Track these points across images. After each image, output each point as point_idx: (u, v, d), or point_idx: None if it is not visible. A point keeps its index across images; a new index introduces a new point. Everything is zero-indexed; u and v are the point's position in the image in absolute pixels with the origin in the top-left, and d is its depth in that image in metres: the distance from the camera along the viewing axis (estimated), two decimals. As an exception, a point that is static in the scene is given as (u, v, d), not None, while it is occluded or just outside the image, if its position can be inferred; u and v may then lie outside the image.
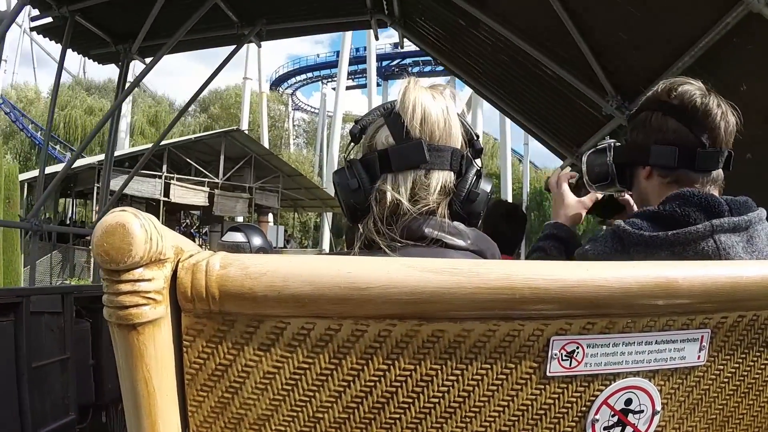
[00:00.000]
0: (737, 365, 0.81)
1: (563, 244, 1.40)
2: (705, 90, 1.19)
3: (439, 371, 0.72)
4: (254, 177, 26.21)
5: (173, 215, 28.02)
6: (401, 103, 1.03)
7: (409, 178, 1.01)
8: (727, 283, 0.75)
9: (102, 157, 24.01)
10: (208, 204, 24.88)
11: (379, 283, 0.67)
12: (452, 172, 1.03)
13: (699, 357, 0.77)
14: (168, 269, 0.68)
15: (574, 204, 1.47)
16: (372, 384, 0.72)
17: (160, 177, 23.31)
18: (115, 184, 20.47)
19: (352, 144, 1.11)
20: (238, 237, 1.03)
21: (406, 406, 0.73)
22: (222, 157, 24.69)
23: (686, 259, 1.03)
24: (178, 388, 0.72)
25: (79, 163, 21.07)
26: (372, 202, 1.02)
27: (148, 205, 26.02)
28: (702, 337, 0.77)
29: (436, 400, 0.73)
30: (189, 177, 24.57)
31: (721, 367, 0.80)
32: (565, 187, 1.50)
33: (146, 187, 22.94)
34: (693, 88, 1.19)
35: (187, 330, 0.71)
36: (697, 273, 0.74)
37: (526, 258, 1.45)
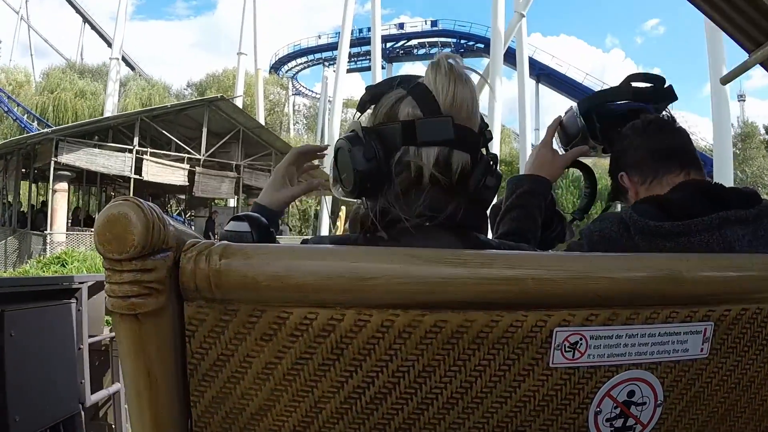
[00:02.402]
0: (740, 358, 0.83)
1: (543, 202, 1.42)
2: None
3: (442, 361, 0.74)
4: (242, 153, 23.32)
5: (157, 199, 25.43)
6: (435, 75, 1.03)
7: (432, 154, 1.00)
8: (731, 276, 0.78)
9: (62, 127, 21.47)
10: (187, 183, 21.98)
11: (383, 273, 0.70)
12: (469, 155, 1.04)
13: (702, 350, 0.80)
14: (170, 258, 0.71)
15: (556, 160, 1.48)
16: (374, 374, 0.74)
17: (130, 151, 20.44)
18: (76, 157, 18.90)
19: (359, 113, 1.10)
20: (241, 226, 1.05)
21: (408, 395, 0.75)
22: (205, 130, 21.75)
23: (691, 250, 1.05)
24: (180, 378, 0.75)
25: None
26: (392, 171, 1.00)
27: (117, 184, 24.12)
28: (705, 329, 0.79)
29: (438, 390, 0.75)
30: (165, 152, 21.81)
31: (724, 359, 0.83)
32: (553, 141, 1.52)
33: (114, 162, 20.24)
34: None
35: (190, 320, 0.73)
36: (702, 265, 0.77)
37: (501, 216, 1.41)
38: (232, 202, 26.13)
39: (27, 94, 34.31)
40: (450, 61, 1.04)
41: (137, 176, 20.31)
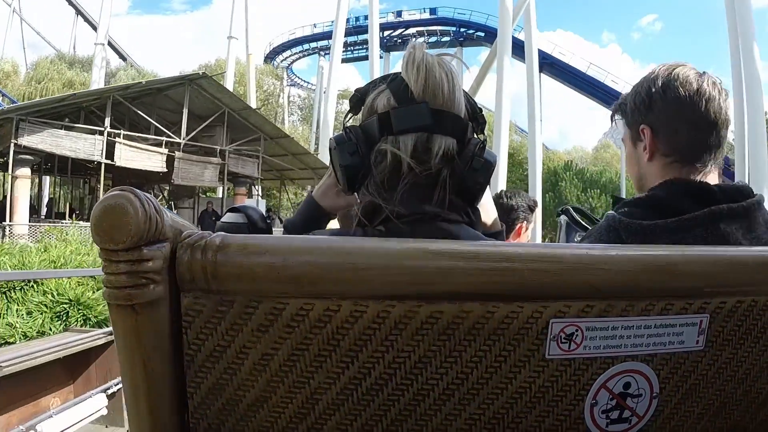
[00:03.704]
0: (735, 350, 0.86)
1: None
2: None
3: (438, 352, 0.77)
4: (228, 138, 21.44)
5: (139, 189, 22.30)
6: (405, 65, 1.05)
7: (410, 141, 1.03)
8: (726, 268, 0.80)
9: (23, 104, 19.24)
10: (166, 170, 20.01)
11: (378, 264, 0.72)
12: (455, 140, 1.05)
13: (698, 342, 0.83)
14: (167, 249, 0.73)
15: None
16: (370, 365, 0.77)
17: (101, 133, 18.47)
18: (39, 139, 17.18)
19: (350, 114, 1.14)
20: (238, 218, 1.07)
21: (404, 387, 0.78)
22: (185, 112, 19.87)
23: None
24: (177, 369, 0.77)
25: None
26: (371, 164, 1.04)
27: (85, 168, 21.83)
28: (701, 321, 0.82)
29: (434, 381, 0.78)
30: (141, 135, 19.91)
31: (719, 352, 0.85)
32: None
33: (82, 145, 18.31)
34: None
35: (186, 310, 0.75)
36: (697, 257, 0.79)
37: None
38: (220, 192, 24.44)
39: (14, 84, 34.26)
40: (419, 48, 1.07)
41: (108, 161, 18.62)
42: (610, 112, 1.40)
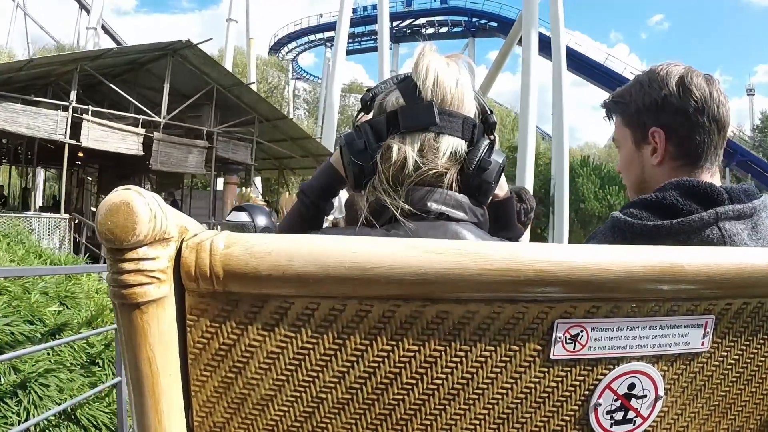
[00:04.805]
0: (741, 352, 0.88)
1: None
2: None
3: (443, 352, 0.79)
4: (217, 119, 18.91)
5: (126, 179, 17.82)
6: (414, 65, 1.09)
7: (418, 140, 1.06)
8: (733, 270, 0.82)
9: None
10: (142, 153, 17.45)
11: (383, 263, 0.75)
12: (464, 140, 1.09)
13: (703, 343, 0.85)
14: (172, 248, 0.75)
15: None
16: (376, 364, 0.79)
17: (65, 109, 15.82)
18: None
19: (362, 113, 1.17)
20: (243, 216, 1.10)
21: (409, 386, 0.80)
22: (167, 86, 17.40)
23: None
24: (182, 368, 0.80)
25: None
26: (378, 161, 1.08)
27: (46, 150, 18.54)
28: (706, 323, 0.84)
29: (440, 381, 0.80)
30: (113, 111, 17.26)
31: (725, 353, 0.87)
32: None
33: (42, 122, 15.64)
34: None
35: (191, 309, 0.78)
36: (703, 258, 0.81)
37: None
38: (219, 185, 21.81)
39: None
40: (429, 48, 1.10)
41: (74, 141, 16.12)
42: (604, 109, 1.41)
